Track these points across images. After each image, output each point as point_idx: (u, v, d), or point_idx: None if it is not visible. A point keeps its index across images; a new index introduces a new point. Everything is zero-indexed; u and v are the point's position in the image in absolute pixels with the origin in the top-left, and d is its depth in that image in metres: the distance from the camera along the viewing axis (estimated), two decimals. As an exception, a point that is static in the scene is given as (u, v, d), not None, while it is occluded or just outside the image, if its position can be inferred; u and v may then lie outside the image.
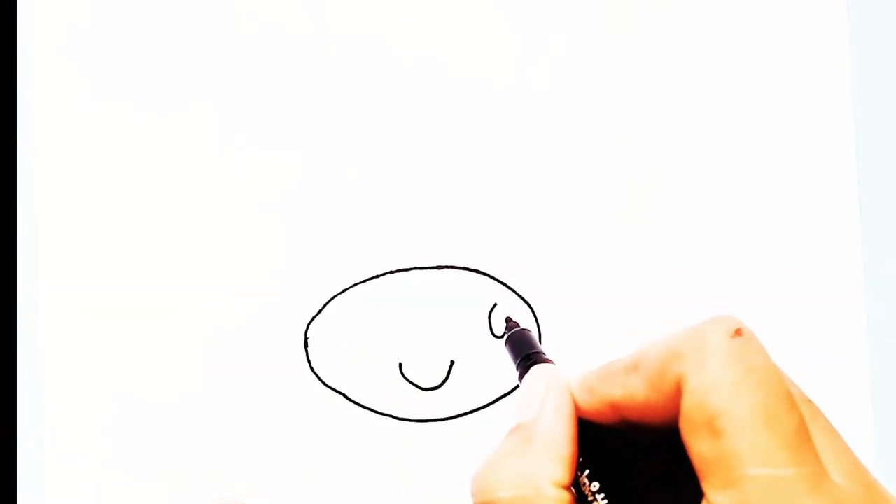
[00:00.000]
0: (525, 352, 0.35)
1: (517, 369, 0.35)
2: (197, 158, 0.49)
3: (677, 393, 0.25)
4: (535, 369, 0.32)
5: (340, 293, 0.49)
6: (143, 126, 0.49)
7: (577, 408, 0.28)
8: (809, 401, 0.26)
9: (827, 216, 0.50)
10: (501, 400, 0.49)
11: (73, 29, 0.49)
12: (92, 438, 0.47)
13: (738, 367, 0.24)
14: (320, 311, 0.48)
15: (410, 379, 0.49)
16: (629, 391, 0.26)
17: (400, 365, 0.49)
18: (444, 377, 0.49)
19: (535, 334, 0.38)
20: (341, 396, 0.48)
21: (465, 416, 0.48)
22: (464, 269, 0.49)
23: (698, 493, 0.25)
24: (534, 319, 0.49)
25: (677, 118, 0.50)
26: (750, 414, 0.23)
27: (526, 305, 0.49)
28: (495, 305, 0.49)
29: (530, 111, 0.50)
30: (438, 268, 0.49)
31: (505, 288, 0.49)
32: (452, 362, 0.49)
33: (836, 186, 0.50)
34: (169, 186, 0.49)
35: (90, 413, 0.47)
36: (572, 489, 0.27)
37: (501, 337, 0.38)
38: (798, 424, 0.23)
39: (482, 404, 0.49)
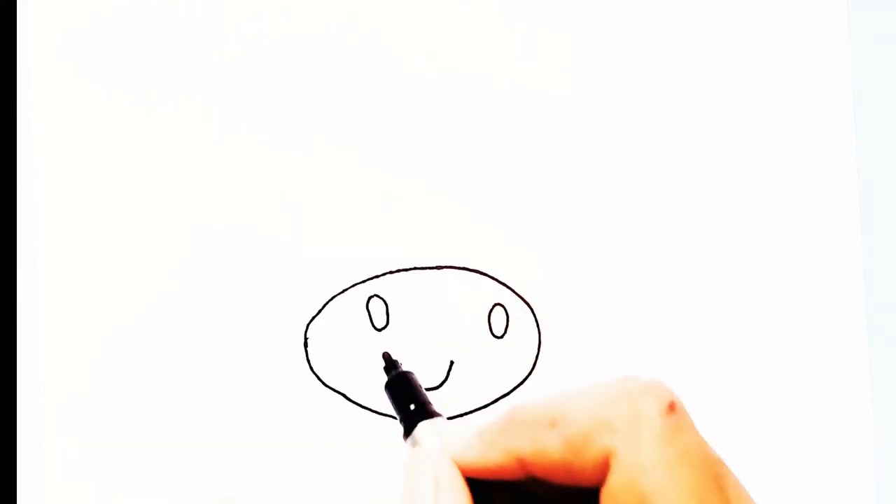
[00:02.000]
0: (409, 403, 0.32)
1: (400, 420, 0.33)
2: (196, 159, 0.49)
3: (604, 465, 0.24)
4: (419, 455, 0.29)
5: (340, 293, 0.49)
6: (143, 127, 0.49)
7: (469, 465, 0.26)
8: (722, 462, 0.25)
9: (827, 217, 0.50)
10: (501, 400, 0.49)
11: (73, 30, 0.49)
12: (90, 440, 0.47)
13: (674, 448, 0.23)
14: (320, 311, 0.48)
15: (410, 379, 0.49)
16: (542, 448, 0.25)
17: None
18: (443, 377, 0.49)
19: (417, 378, 0.35)
20: (341, 396, 0.48)
21: (464, 416, 0.48)
22: (464, 269, 0.49)
23: None
24: (534, 320, 0.49)
25: (678, 118, 0.50)
26: (683, 499, 0.23)
27: (526, 305, 0.49)
28: (495, 305, 0.49)
29: (530, 111, 0.50)
30: (438, 268, 0.49)
31: (505, 288, 0.49)
32: (452, 362, 0.49)
33: (835, 187, 0.50)
34: (168, 186, 0.49)
35: (88, 413, 0.47)
36: None
37: (389, 380, 0.35)
38: None
39: (482, 404, 0.49)
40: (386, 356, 0.35)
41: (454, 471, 0.27)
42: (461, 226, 0.49)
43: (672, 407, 0.24)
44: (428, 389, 0.49)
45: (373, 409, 0.48)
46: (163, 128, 0.49)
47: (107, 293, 0.48)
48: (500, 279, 0.49)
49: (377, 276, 0.49)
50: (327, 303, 0.48)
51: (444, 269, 0.49)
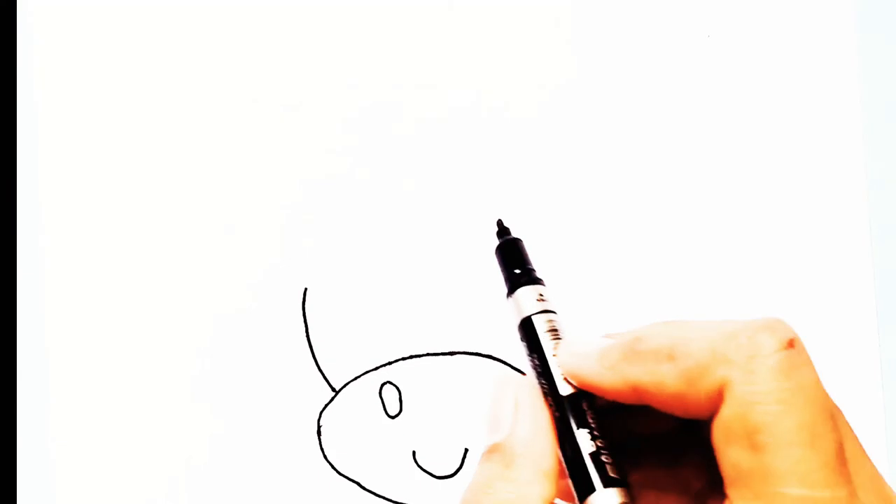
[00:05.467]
0: (514, 266, 0.33)
1: (505, 283, 0.33)
2: (197, 165, 0.50)
3: (718, 396, 0.24)
4: (500, 377, 0.31)
5: (353, 380, 0.49)
6: (146, 129, 0.50)
7: (585, 382, 0.27)
8: (840, 412, 0.25)
9: (835, 216, 0.48)
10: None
11: (74, 30, 0.51)
12: (89, 445, 0.49)
13: (789, 383, 0.23)
14: (333, 398, 0.49)
15: (424, 468, 0.48)
16: (659, 380, 0.25)
17: (414, 453, 0.48)
18: (458, 465, 0.48)
19: (525, 246, 0.35)
20: (355, 485, 0.48)
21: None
22: (476, 354, 0.48)
23: (697, 478, 0.27)
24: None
25: (685, 120, 0.49)
26: (795, 433, 0.23)
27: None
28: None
29: (530, 117, 0.49)
30: (451, 353, 0.48)
31: (518, 373, 0.47)
32: (467, 450, 0.48)
33: (844, 187, 0.48)
34: (170, 194, 0.50)
35: (89, 417, 0.49)
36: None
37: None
38: (838, 445, 0.23)
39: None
40: (499, 223, 0.36)
41: (534, 393, 0.28)
42: (472, 311, 0.48)
43: (791, 343, 0.24)
44: (443, 478, 0.48)
45: (386, 496, 0.48)
46: (167, 132, 0.50)
47: (106, 296, 0.49)
48: (512, 364, 0.47)
49: (389, 363, 0.49)
50: (340, 390, 0.49)
51: (457, 355, 0.48)
